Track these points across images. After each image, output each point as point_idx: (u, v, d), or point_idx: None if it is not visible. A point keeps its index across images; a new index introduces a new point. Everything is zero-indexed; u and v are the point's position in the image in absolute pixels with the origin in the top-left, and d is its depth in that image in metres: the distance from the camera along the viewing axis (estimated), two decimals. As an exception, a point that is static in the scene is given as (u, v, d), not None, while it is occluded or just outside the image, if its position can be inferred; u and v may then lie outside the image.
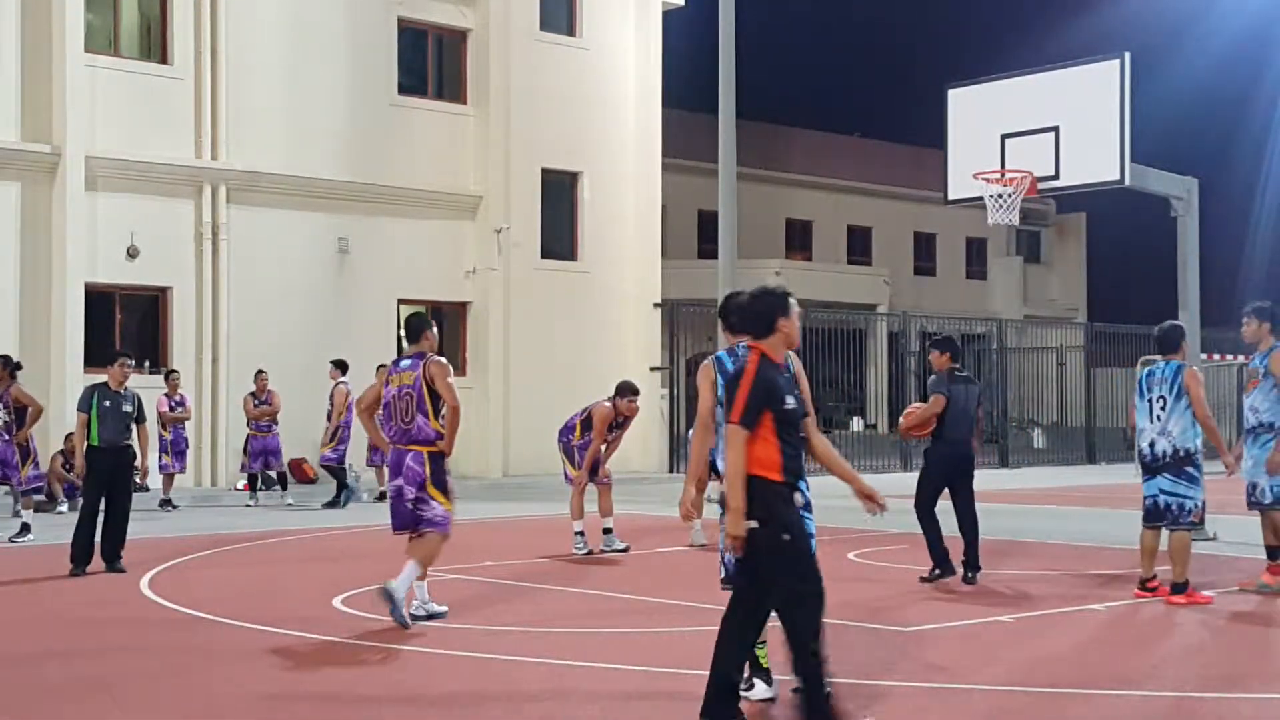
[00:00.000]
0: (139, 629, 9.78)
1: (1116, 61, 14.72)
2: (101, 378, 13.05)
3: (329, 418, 19.79)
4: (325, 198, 24.30)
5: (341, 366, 20.01)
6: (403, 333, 9.90)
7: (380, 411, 9.83)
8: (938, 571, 11.39)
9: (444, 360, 9.63)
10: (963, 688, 7.49)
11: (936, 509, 11.44)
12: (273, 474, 20.50)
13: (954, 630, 9.40)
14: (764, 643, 6.97)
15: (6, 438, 16.59)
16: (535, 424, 24.00)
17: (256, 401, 20.05)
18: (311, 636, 9.09)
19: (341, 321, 24.24)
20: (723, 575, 7.17)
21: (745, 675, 7.02)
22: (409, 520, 9.49)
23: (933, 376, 11.81)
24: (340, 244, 24.51)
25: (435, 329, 9.87)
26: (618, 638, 9.26)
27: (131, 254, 22.34)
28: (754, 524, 6.24)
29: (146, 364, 21.74)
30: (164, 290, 22.89)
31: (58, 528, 16.54)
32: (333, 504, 19.32)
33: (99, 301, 22.16)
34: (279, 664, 8.37)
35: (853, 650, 8.59)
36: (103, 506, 12.52)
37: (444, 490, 9.49)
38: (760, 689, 6.97)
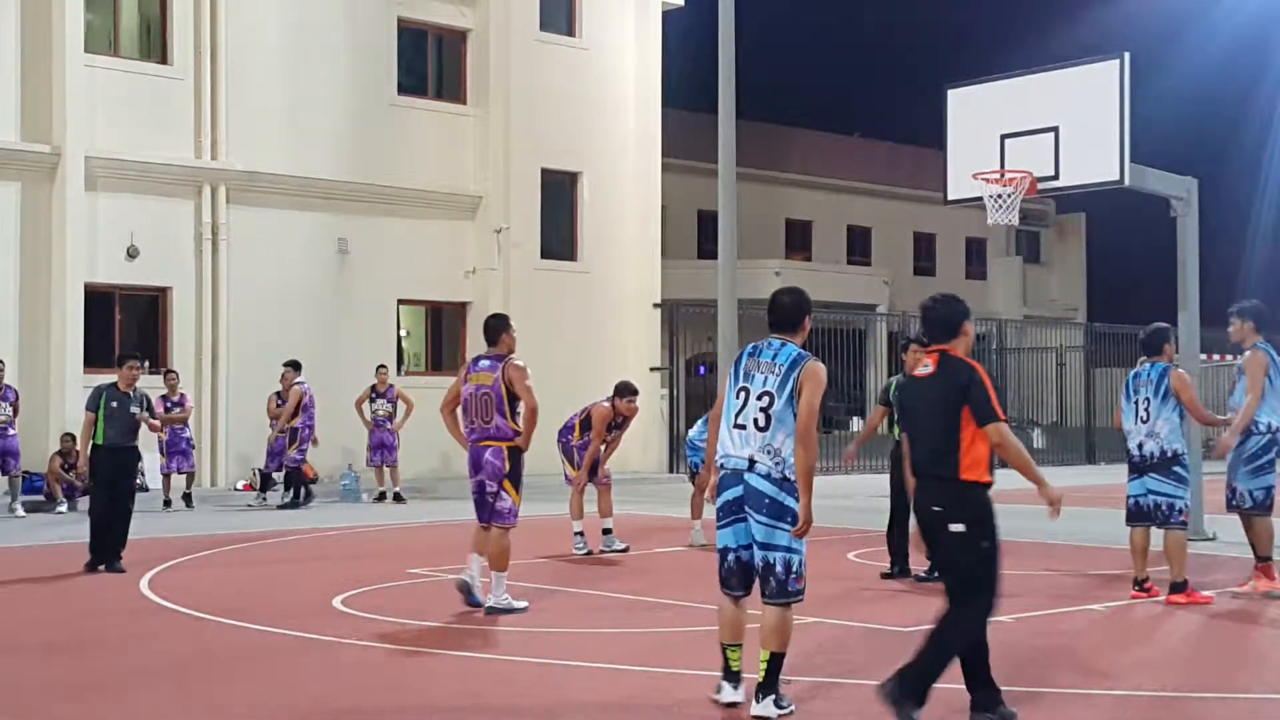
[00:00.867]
0: (139, 629, 9.77)
1: (1116, 61, 14.69)
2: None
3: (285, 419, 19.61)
4: (325, 198, 24.30)
5: (296, 367, 19.85)
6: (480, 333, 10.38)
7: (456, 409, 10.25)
8: (898, 569, 11.73)
9: (522, 363, 10.03)
10: (963, 688, 7.48)
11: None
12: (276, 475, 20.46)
13: (954, 630, 9.38)
14: (739, 645, 6.86)
15: (13, 431, 17.55)
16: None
17: (280, 401, 19.95)
18: (311, 636, 9.09)
19: (341, 322, 24.24)
20: (721, 577, 7.00)
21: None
22: (489, 512, 9.95)
23: None
24: (340, 244, 24.51)
25: (513, 330, 10.23)
26: (618, 638, 9.26)
27: (131, 254, 22.35)
28: (961, 527, 6.48)
29: (146, 364, 21.70)
30: (164, 290, 22.89)
31: (57, 527, 16.55)
32: (292, 505, 19.23)
33: (99, 301, 22.16)
34: (279, 664, 8.37)
35: (853, 650, 8.59)
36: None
37: (517, 484, 9.97)
38: (727, 692, 6.85)
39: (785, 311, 7.02)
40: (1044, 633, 9.39)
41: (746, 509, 6.75)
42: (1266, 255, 48.68)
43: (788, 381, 6.78)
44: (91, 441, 12.69)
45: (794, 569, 6.73)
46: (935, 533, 6.60)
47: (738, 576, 6.86)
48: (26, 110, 21.79)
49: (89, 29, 22.37)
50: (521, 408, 9.89)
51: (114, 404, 12.70)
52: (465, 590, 9.96)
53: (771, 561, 6.71)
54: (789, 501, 6.73)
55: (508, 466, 9.88)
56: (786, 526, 6.72)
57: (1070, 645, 8.90)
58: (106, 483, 12.64)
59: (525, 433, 9.92)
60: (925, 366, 6.74)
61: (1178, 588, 10.29)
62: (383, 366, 21.08)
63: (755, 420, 6.77)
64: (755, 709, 6.69)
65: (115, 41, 23.21)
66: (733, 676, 6.90)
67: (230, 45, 23.25)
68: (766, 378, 6.82)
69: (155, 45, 23.36)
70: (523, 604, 10.00)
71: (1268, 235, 48.97)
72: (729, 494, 6.82)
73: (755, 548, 6.77)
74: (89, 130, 21.86)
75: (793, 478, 6.76)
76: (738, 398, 6.86)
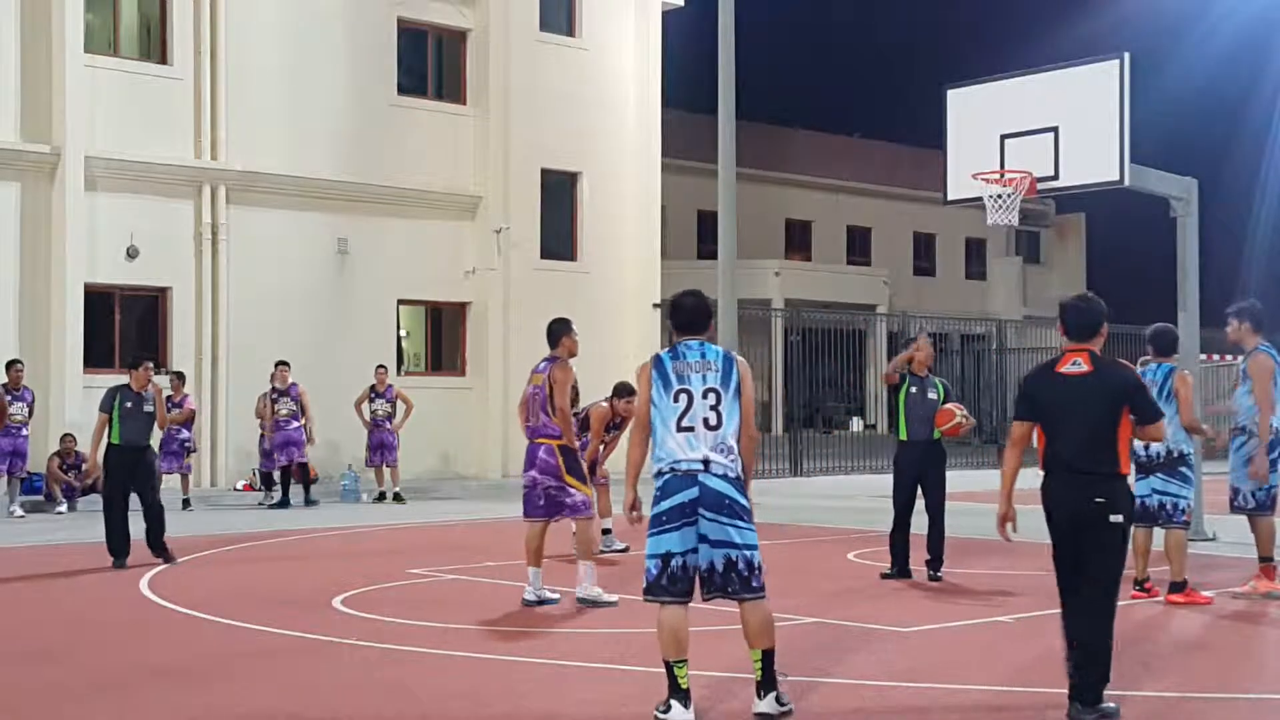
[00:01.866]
0: (139, 629, 9.78)
1: (1116, 62, 14.70)
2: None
3: (298, 416, 19.74)
4: (325, 198, 24.27)
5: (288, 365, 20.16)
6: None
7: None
8: (897, 569, 11.76)
9: (568, 365, 10.39)
10: (963, 688, 7.49)
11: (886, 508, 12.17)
12: (275, 473, 20.48)
13: (954, 630, 9.41)
14: (684, 662, 6.66)
15: (26, 432, 18.14)
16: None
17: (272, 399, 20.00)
18: (311, 636, 9.09)
19: (341, 322, 24.22)
20: (662, 584, 6.70)
21: (664, 698, 6.69)
22: (541, 508, 10.36)
23: (943, 380, 11.94)
24: (340, 244, 24.49)
25: (574, 334, 10.52)
26: (617, 638, 9.25)
27: (131, 254, 22.32)
28: (1119, 518, 6.86)
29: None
30: (163, 291, 22.86)
31: (56, 528, 16.56)
32: (283, 505, 19.45)
33: (99, 302, 22.13)
34: (278, 664, 8.37)
35: (853, 650, 8.59)
36: (135, 505, 12.81)
37: (580, 477, 10.40)
38: (677, 712, 6.59)
39: (693, 313, 7.08)
40: (1044, 633, 9.39)
41: (700, 510, 6.63)
42: (1266, 255, 48.64)
43: (730, 377, 6.79)
44: (106, 441, 12.91)
45: (755, 565, 6.67)
46: (1090, 525, 6.81)
47: (683, 582, 6.67)
48: (26, 110, 21.77)
49: (89, 29, 22.35)
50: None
51: (128, 404, 12.98)
52: (536, 605, 10.29)
53: (734, 559, 6.62)
54: (744, 500, 6.72)
55: (561, 463, 10.26)
56: (746, 525, 6.68)
57: (1070, 645, 8.89)
58: (120, 482, 12.90)
59: (563, 430, 10.28)
60: (1076, 365, 6.94)
61: (1177, 587, 10.30)
62: (382, 367, 21.12)
63: (705, 420, 6.70)
64: (759, 706, 6.62)
65: (115, 41, 23.18)
66: (684, 695, 6.60)
67: (230, 45, 23.22)
68: (705, 375, 6.78)
69: (155, 45, 23.33)
70: (613, 598, 10.29)
71: (1268, 235, 48.91)
72: (680, 497, 6.65)
73: (708, 548, 6.63)
74: (89, 130, 21.84)
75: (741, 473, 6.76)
76: (676, 401, 6.74)
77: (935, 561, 11.61)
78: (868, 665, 8.11)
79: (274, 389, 19.98)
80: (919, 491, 11.75)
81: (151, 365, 13.66)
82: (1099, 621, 6.91)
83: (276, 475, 20.17)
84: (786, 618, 8.87)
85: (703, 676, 7.23)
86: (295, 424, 19.72)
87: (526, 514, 10.49)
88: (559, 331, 10.53)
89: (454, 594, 11.19)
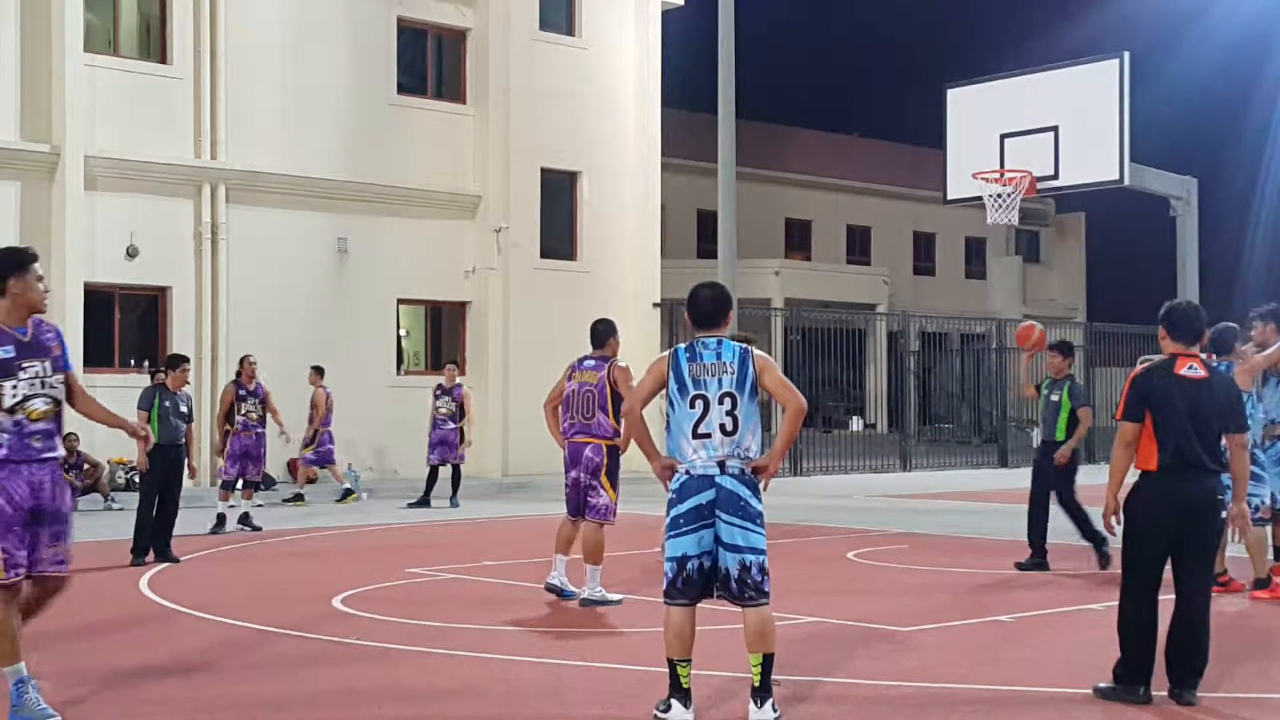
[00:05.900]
0: (138, 628, 9.77)
1: (1116, 61, 14.74)
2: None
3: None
4: (325, 197, 24.28)
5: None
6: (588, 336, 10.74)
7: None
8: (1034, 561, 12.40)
9: (627, 365, 10.37)
10: (963, 688, 7.49)
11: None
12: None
13: (954, 630, 9.40)
14: (688, 661, 6.65)
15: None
16: (534, 424, 23.94)
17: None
18: (311, 636, 9.09)
19: (341, 321, 24.23)
20: (678, 587, 6.68)
21: (665, 696, 6.69)
22: (580, 506, 10.36)
23: (1075, 385, 12.65)
24: (340, 244, 24.50)
25: (618, 335, 10.55)
26: (617, 638, 9.26)
27: (131, 254, 22.33)
28: (1224, 511, 7.30)
29: (146, 364, 21.72)
30: (163, 290, 22.87)
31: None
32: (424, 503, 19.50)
33: (98, 301, 22.14)
34: (279, 664, 8.37)
35: (853, 650, 8.59)
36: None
37: (615, 483, 10.36)
38: (677, 711, 6.60)
39: (712, 305, 6.85)
40: (1044, 633, 9.40)
41: (718, 513, 6.60)
42: (1266, 255, 48.66)
43: (746, 377, 6.67)
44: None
45: (764, 569, 6.64)
46: (1207, 516, 7.11)
47: (697, 586, 6.64)
48: (26, 110, 21.77)
49: (89, 29, 22.35)
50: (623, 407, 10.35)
51: (167, 404, 13.34)
52: (556, 593, 10.40)
53: (748, 564, 6.58)
54: (756, 504, 6.66)
55: (604, 462, 10.25)
56: (758, 529, 6.63)
57: (1070, 645, 8.90)
58: (157, 480, 13.22)
59: (624, 432, 10.15)
60: (1194, 369, 7.17)
61: (1261, 584, 10.45)
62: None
63: (722, 425, 6.61)
64: (756, 713, 6.55)
65: (115, 41, 23.18)
66: (685, 695, 6.61)
67: (230, 45, 23.23)
68: (721, 379, 6.65)
69: (155, 45, 23.34)
70: (617, 597, 10.30)
71: (1268, 235, 48.93)
72: (697, 499, 6.61)
73: (724, 551, 6.60)
74: (89, 130, 21.84)
75: (750, 472, 6.69)
76: (692, 407, 6.63)
77: (1095, 547, 12.16)
78: (868, 665, 8.11)
79: (239, 385, 17.38)
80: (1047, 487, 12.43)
81: (189, 368, 14.11)
82: (1208, 598, 7.23)
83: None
84: (786, 618, 8.88)
85: (704, 677, 7.23)
86: (259, 431, 16.95)
87: (570, 512, 10.49)
88: (606, 332, 10.48)
89: (454, 594, 11.19)
